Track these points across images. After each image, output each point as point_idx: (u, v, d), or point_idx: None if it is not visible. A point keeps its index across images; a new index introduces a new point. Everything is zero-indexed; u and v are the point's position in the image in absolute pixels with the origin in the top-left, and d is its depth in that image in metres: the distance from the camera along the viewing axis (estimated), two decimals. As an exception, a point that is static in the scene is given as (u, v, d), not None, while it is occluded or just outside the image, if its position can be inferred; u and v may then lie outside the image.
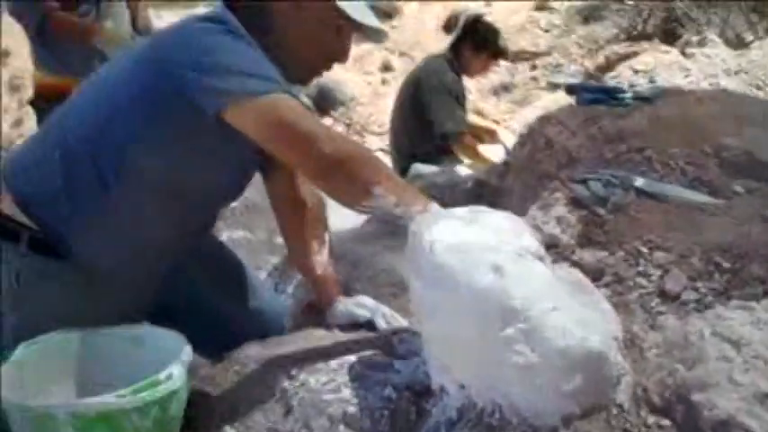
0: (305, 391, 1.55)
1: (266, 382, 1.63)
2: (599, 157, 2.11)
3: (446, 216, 1.48)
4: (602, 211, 1.88)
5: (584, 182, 2.00)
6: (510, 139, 4.64)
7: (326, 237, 1.96)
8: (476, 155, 4.23)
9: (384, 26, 1.80)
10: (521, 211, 2.30)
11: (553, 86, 7.28)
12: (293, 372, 1.63)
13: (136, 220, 1.65)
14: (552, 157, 2.18)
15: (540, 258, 1.45)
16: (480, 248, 1.39)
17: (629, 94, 2.42)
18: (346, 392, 1.53)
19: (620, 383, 1.36)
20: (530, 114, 7.26)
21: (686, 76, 3.22)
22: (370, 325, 1.81)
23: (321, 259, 1.92)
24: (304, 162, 1.49)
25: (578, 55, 7.25)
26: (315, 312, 2.00)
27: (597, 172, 2.01)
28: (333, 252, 2.00)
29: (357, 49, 9.11)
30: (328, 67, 1.73)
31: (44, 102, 3.54)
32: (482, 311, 1.33)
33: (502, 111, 6.94)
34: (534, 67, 7.38)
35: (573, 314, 1.33)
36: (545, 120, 2.33)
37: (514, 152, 2.76)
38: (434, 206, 1.49)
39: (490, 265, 1.35)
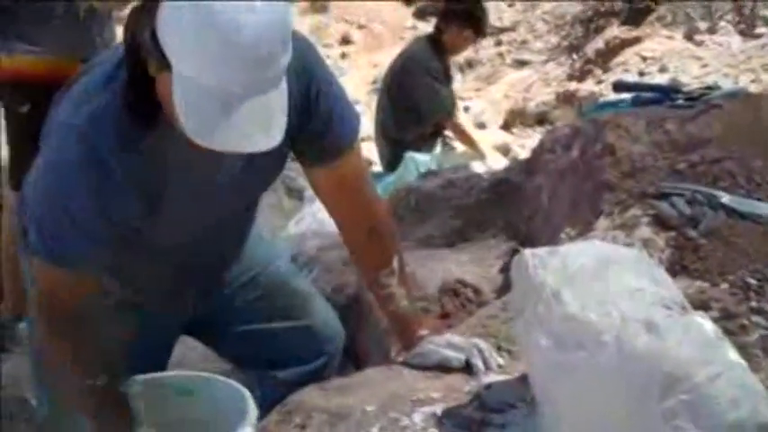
0: (394, 456, 1.33)
1: (339, 441, 1.40)
2: (669, 167, 1.92)
3: (569, 256, 1.27)
4: (693, 233, 1.70)
5: (663, 197, 1.81)
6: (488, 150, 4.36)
7: (395, 260, 1.63)
8: (469, 141, 4.05)
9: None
10: (573, 220, 2.12)
11: (519, 64, 7.11)
12: (372, 429, 1.40)
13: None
14: (614, 166, 1.98)
15: (684, 308, 1.25)
16: (623, 299, 1.19)
17: (682, 95, 2.24)
18: (444, 459, 1.31)
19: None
20: (496, 92, 7.08)
21: (703, 67, 3.05)
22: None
23: (395, 291, 1.62)
24: None
25: (544, 31, 7.09)
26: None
27: (676, 186, 1.82)
28: (407, 278, 1.68)
29: (313, 20, 8.72)
30: None
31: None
32: (634, 378, 1.13)
33: (468, 88, 6.72)
34: (499, 43, 7.17)
35: (736, 377, 1.14)
36: (601, 122, 2.12)
37: (542, 150, 2.56)
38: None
39: (642, 321, 1.15)
